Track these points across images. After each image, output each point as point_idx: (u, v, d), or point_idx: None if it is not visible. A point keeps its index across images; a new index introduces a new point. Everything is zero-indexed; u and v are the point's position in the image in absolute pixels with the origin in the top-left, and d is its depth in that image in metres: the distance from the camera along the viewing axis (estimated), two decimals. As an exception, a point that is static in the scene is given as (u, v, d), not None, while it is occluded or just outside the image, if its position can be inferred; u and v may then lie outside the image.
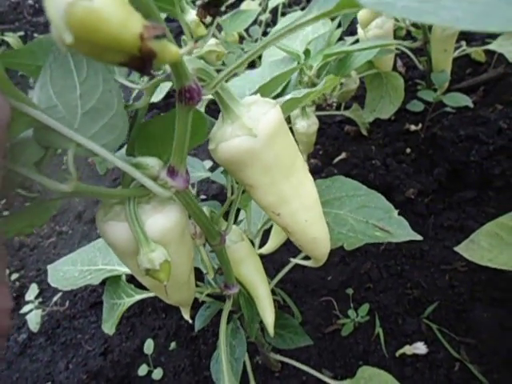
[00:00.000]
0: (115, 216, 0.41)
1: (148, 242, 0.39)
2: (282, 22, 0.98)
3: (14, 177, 0.35)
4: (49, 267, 0.94)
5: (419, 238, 0.54)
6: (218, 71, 0.37)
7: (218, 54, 0.46)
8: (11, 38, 2.63)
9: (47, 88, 0.36)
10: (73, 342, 1.19)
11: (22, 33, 2.80)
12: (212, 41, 0.45)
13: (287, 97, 0.62)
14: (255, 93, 0.49)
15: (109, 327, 0.79)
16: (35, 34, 2.86)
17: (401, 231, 0.54)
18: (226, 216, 0.59)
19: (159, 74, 0.38)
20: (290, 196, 0.42)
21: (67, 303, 1.29)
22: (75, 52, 0.26)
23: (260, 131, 0.38)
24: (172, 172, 0.40)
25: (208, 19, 0.38)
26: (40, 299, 1.30)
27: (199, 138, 0.47)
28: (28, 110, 0.32)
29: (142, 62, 0.25)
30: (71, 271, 0.87)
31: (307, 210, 0.43)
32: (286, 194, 0.42)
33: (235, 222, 0.78)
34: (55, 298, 1.29)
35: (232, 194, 0.55)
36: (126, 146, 0.47)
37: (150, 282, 0.48)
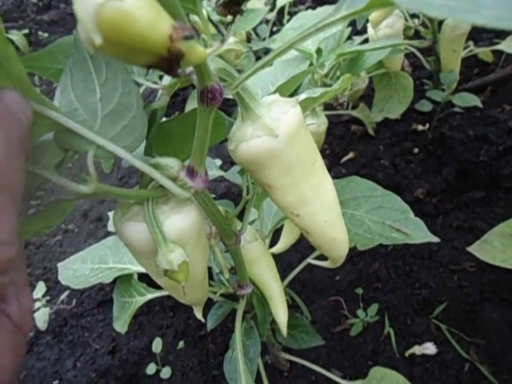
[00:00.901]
0: (133, 216, 0.41)
1: (166, 242, 0.39)
2: (294, 22, 0.98)
3: (35, 179, 0.35)
4: (59, 265, 0.94)
5: (436, 239, 0.54)
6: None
7: (236, 52, 0.46)
8: (16, 36, 2.63)
9: (68, 91, 0.36)
10: (80, 340, 1.19)
11: (26, 31, 2.80)
12: (231, 39, 0.45)
13: (302, 96, 0.62)
14: (273, 92, 0.48)
15: (121, 325, 0.79)
16: (39, 32, 2.86)
17: (417, 233, 0.54)
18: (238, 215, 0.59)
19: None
20: (310, 196, 0.42)
21: (74, 301, 1.29)
22: (102, 54, 0.26)
23: (281, 131, 0.37)
24: (191, 173, 0.40)
25: (229, 18, 0.38)
26: (47, 297, 1.30)
27: (217, 137, 0.47)
28: (49, 113, 0.32)
29: (169, 62, 0.25)
30: (82, 269, 0.87)
31: (327, 211, 0.43)
32: (305, 194, 0.41)
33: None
34: (62, 297, 1.29)
35: (248, 193, 0.55)
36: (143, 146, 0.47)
37: (166, 282, 0.48)
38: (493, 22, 0.19)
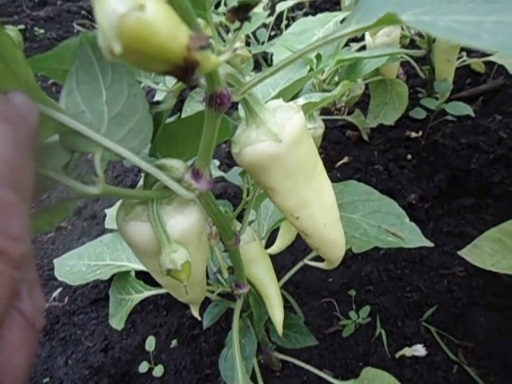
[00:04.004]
0: (137, 216, 0.41)
1: (170, 242, 0.40)
2: (294, 27, 0.99)
3: (43, 180, 0.35)
4: (55, 261, 0.94)
5: (430, 244, 0.56)
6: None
7: (242, 57, 0.47)
8: (11, 31, 2.60)
9: (74, 94, 0.36)
10: (72, 337, 1.19)
11: (21, 26, 2.78)
12: (237, 44, 0.46)
13: (300, 100, 0.64)
14: (275, 96, 0.50)
15: (117, 322, 0.80)
16: (35, 28, 2.84)
17: (412, 237, 0.56)
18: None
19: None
20: (310, 200, 0.43)
21: (66, 299, 1.29)
22: (119, 60, 0.27)
23: (285, 136, 0.39)
24: (196, 174, 0.41)
25: (236, 24, 0.39)
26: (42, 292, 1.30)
27: (220, 139, 0.48)
28: (56, 115, 0.32)
29: (185, 71, 0.26)
30: (78, 266, 0.88)
31: (326, 214, 0.44)
32: (306, 197, 0.43)
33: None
34: (54, 294, 1.29)
35: (248, 195, 0.56)
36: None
37: (167, 281, 0.49)
38: (494, 47, 0.20)
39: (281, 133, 0.39)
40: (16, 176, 0.24)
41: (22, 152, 0.25)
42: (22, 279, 0.26)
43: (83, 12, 3.08)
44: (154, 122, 0.43)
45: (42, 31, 2.82)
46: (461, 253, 0.77)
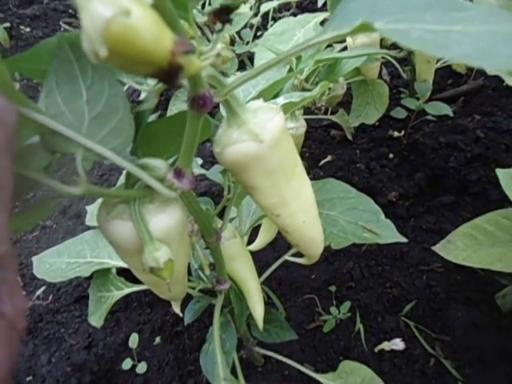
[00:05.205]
0: (118, 215, 0.41)
1: (153, 241, 0.40)
2: (276, 27, 1.01)
3: (25, 181, 0.35)
4: (34, 259, 0.94)
5: (404, 240, 0.58)
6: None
7: (223, 58, 0.48)
8: (-3, 29, 2.56)
9: (54, 94, 0.35)
10: (56, 335, 1.18)
11: (7, 24, 2.73)
12: (219, 45, 0.47)
13: (280, 99, 0.65)
14: (256, 96, 0.51)
15: (96, 319, 0.80)
16: (21, 27, 2.79)
17: (387, 233, 0.58)
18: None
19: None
20: (290, 198, 0.44)
21: (50, 297, 1.28)
22: (104, 63, 0.27)
23: (266, 137, 0.40)
24: (179, 174, 0.41)
25: (218, 26, 0.40)
26: (23, 293, 1.29)
27: (201, 138, 0.49)
28: (36, 116, 0.32)
29: (169, 74, 0.26)
30: (58, 263, 0.87)
31: (305, 212, 0.46)
32: (286, 196, 0.44)
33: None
34: (38, 292, 1.28)
35: (229, 192, 0.58)
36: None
37: (149, 278, 0.49)
38: (461, 57, 0.21)
39: (262, 133, 0.40)
40: None
41: (0, 153, 0.24)
42: (3, 280, 0.26)
43: (70, 11, 3.04)
44: (136, 122, 0.43)
45: (28, 30, 2.77)
46: (435, 248, 0.79)
